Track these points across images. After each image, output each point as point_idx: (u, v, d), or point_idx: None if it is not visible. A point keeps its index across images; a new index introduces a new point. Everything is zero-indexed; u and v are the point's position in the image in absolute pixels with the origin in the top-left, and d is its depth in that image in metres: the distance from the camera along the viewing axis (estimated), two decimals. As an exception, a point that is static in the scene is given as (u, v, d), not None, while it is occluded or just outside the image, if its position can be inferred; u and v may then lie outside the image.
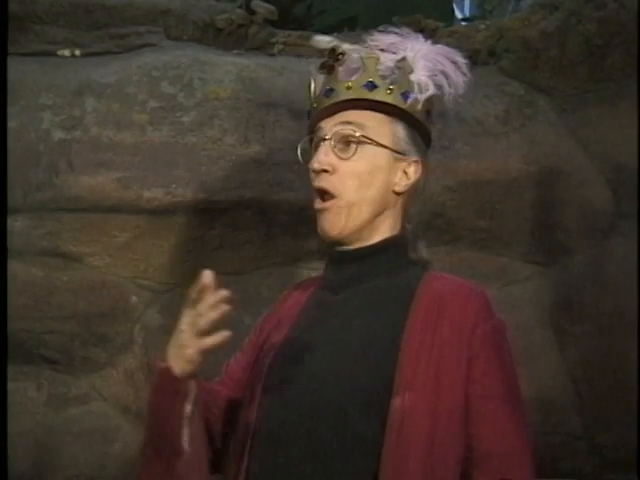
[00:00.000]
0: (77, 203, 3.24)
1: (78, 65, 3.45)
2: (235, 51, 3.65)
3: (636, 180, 3.41)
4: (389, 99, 2.01)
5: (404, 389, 1.84)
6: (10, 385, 3.26)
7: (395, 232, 2.04)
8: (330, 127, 2.00)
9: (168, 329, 3.27)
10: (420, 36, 2.13)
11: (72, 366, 3.34)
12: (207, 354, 1.81)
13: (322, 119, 2.02)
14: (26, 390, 3.30)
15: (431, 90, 2.04)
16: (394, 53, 2.06)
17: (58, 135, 3.27)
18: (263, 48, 3.68)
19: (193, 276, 3.32)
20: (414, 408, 1.83)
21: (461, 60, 2.10)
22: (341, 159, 1.97)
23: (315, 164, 1.98)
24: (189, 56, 3.48)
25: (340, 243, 2.02)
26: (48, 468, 3.28)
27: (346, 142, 1.99)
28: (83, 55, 3.52)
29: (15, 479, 3.22)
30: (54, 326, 3.27)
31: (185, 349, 1.83)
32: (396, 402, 1.84)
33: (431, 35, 3.61)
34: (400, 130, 2.02)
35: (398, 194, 2.03)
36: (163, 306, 3.33)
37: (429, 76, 2.05)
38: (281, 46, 3.68)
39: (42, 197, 3.24)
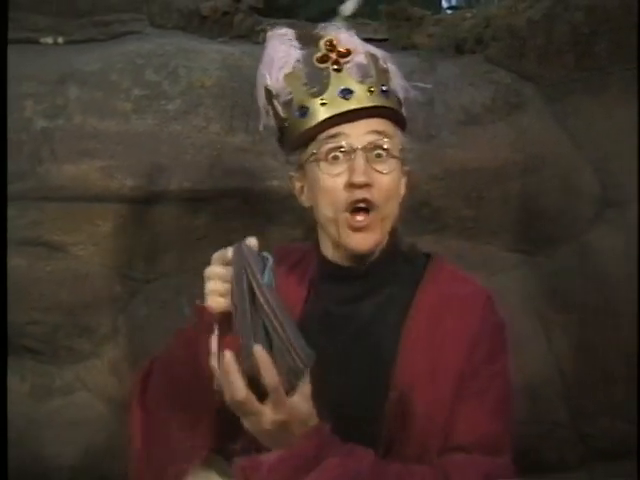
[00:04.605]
0: (60, 192, 3.22)
1: (61, 53, 3.43)
2: (220, 39, 3.63)
3: (623, 168, 3.40)
4: (397, 107, 1.96)
5: (402, 383, 1.87)
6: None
7: (387, 238, 1.98)
8: (359, 135, 1.90)
9: (153, 319, 3.28)
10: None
11: (56, 357, 3.32)
12: None
13: (341, 123, 1.90)
14: (9, 381, 3.28)
15: (402, 95, 2.01)
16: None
17: (41, 124, 3.25)
18: (248, 36, 3.66)
19: (178, 266, 3.32)
20: (411, 401, 1.86)
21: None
22: (377, 172, 1.89)
23: (360, 177, 1.86)
24: (174, 44, 3.46)
25: (360, 257, 1.95)
26: (32, 459, 3.26)
27: (377, 153, 1.90)
28: (66, 43, 3.50)
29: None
30: (37, 316, 3.25)
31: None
32: (394, 395, 1.86)
33: (418, 24, 3.61)
34: (402, 139, 1.97)
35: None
36: (147, 296, 3.31)
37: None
38: (266, 34, 3.65)
39: (25, 186, 3.21)
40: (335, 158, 1.90)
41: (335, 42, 1.93)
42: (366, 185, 1.87)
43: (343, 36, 1.97)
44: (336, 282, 1.99)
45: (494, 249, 3.47)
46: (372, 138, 1.89)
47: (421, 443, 1.86)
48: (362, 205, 1.88)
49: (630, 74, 3.42)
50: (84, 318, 3.28)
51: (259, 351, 1.63)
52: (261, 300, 1.64)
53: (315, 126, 1.91)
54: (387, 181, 1.90)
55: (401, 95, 1.99)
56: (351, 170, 1.87)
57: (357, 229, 1.90)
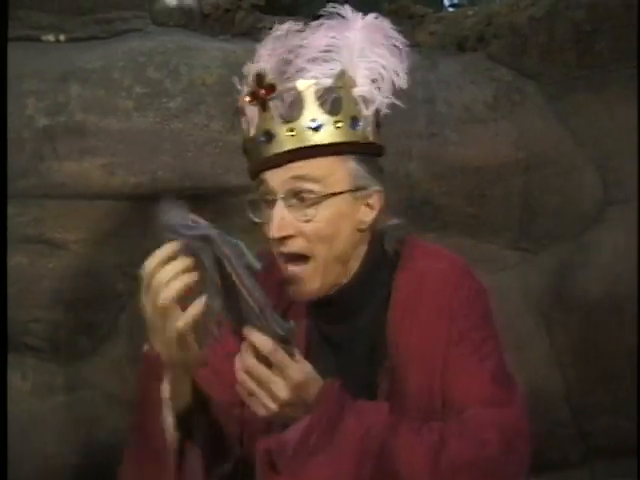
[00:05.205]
0: (62, 190, 3.22)
1: (63, 51, 3.42)
2: (221, 37, 3.62)
3: (624, 166, 3.40)
4: (339, 137, 1.80)
5: (395, 360, 1.86)
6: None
7: (365, 254, 1.91)
8: (280, 183, 1.79)
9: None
10: (349, 19, 1.90)
11: (57, 354, 3.31)
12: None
13: (264, 169, 1.81)
14: (10, 379, 3.28)
15: (377, 99, 1.84)
16: (327, 61, 1.85)
17: (42, 121, 3.24)
18: (250, 34, 3.65)
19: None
20: (405, 375, 1.85)
21: (398, 38, 1.91)
22: (301, 221, 1.79)
23: (275, 232, 1.78)
24: (175, 41, 3.45)
25: None
26: (34, 457, 3.25)
27: (302, 199, 1.79)
28: (68, 40, 3.48)
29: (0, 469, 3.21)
30: (39, 314, 3.25)
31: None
32: (389, 364, 1.85)
33: (419, 22, 3.60)
34: (355, 166, 1.83)
35: (365, 230, 1.89)
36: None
37: (372, 81, 1.85)
38: (268, 32, 3.65)
39: (26, 184, 3.21)
40: (267, 202, 1.82)
41: (265, 78, 1.83)
42: (288, 237, 1.79)
43: (314, 40, 1.87)
44: (317, 307, 1.93)
45: (496, 247, 3.47)
46: (292, 185, 1.78)
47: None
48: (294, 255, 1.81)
49: (631, 72, 3.43)
50: (86, 316, 3.28)
51: (247, 329, 1.61)
52: (240, 285, 1.58)
53: (250, 171, 1.86)
54: (314, 228, 1.79)
55: (363, 107, 1.83)
56: (271, 222, 1.80)
57: (292, 281, 1.83)
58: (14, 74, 3.24)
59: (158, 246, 3.31)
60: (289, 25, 1.93)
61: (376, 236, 1.93)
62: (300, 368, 1.65)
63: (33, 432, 3.26)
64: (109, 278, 3.30)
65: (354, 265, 1.89)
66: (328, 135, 1.79)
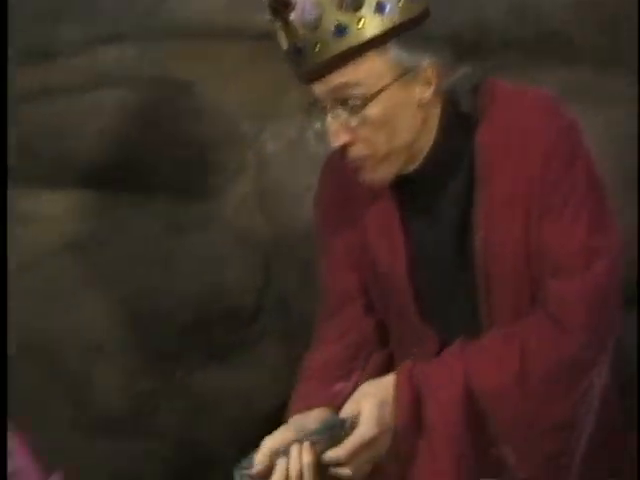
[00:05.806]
0: (185, 29, 3.23)
1: None
2: None
3: None
4: (366, 34, 1.70)
5: (483, 225, 1.85)
6: (126, 211, 3.32)
7: (439, 121, 1.87)
8: (323, 94, 1.77)
9: (280, 155, 3.29)
10: None
11: (186, 193, 3.37)
12: None
13: (309, 81, 1.79)
14: (142, 217, 3.35)
15: None
16: None
17: (166, -40, 3.24)
18: None
19: (302, 104, 3.31)
20: (495, 240, 1.84)
21: None
22: (354, 126, 1.77)
23: (335, 143, 1.79)
24: None
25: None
26: (162, 294, 3.34)
27: (349, 106, 1.75)
28: None
29: (130, 306, 3.31)
30: (167, 153, 3.30)
31: None
32: (477, 238, 1.85)
33: None
34: (394, 52, 1.74)
35: (427, 103, 1.83)
36: (274, 133, 3.32)
37: None
38: None
39: (150, 23, 3.24)
40: (322, 108, 1.82)
41: None
42: (346, 144, 1.79)
43: None
44: (400, 187, 1.93)
45: (629, 81, 3.35)
46: (334, 95, 1.76)
47: (516, 288, 1.86)
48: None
49: None
50: (213, 154, 3.31)
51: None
52: None
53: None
54: (368, 131, 1.77)
55: None
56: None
57: (360, 173, 1.85)
58: None
59: (283, 85, 3.30)
60: None
61: (447, 96, 1.88)
62: (364, 427, 1.73)
63: (163, 269, 3.34)
64: (235, 117, 3.31)
65: (429, 136, 1.86)
66: (355, 36, 1.70)
